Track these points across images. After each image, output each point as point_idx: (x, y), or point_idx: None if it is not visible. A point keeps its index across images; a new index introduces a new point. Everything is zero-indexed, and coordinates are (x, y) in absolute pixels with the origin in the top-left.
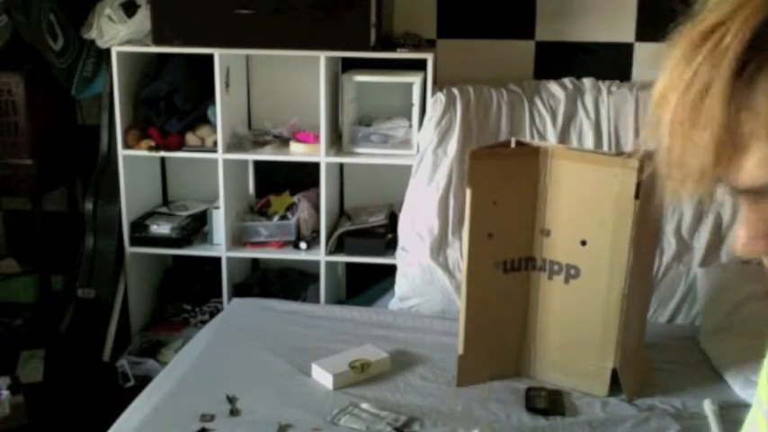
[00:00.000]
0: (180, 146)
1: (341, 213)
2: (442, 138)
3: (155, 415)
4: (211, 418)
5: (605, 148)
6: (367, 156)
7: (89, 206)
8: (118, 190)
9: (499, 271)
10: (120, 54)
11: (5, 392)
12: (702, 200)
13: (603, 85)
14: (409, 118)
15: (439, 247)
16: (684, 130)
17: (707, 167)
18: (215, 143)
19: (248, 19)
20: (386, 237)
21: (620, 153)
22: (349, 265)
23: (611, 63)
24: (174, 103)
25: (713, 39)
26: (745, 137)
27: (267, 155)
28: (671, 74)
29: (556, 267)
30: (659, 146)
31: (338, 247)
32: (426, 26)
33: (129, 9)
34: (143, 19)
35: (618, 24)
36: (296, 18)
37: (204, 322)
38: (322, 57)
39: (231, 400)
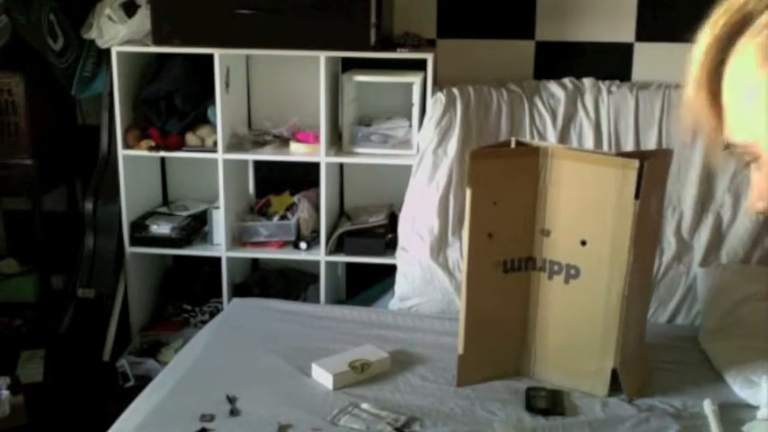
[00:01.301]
0: (180, 146)
1: (341, 213)
2: (442, 138)
3: (155, 415)
4: (211, 418)
5: (605, 148)
6: (367, 156)
7: (89, 206)
8: (118, 190)
9: (499, 271)
10: (120, 54)
11: (5, 392)
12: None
13: (603, 85)
14: (409, 118)
15: (439, 247)
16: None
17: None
18: (215, 143)
19: (248, 19)
20: (386, 237)
21: (622, 153)
22: (349, 265)
23: (611, 63)
24: (174, 103)
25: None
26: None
27: (267, 155)
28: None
29: (556, 267)
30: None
31: (338, 247)
32: (426, 26)
33: (129, 9)
34: (143, 19)
35: (618, 24)
36: (296, 18)
37: (204, 322)
38: (322, 57)
39: (231, 400)
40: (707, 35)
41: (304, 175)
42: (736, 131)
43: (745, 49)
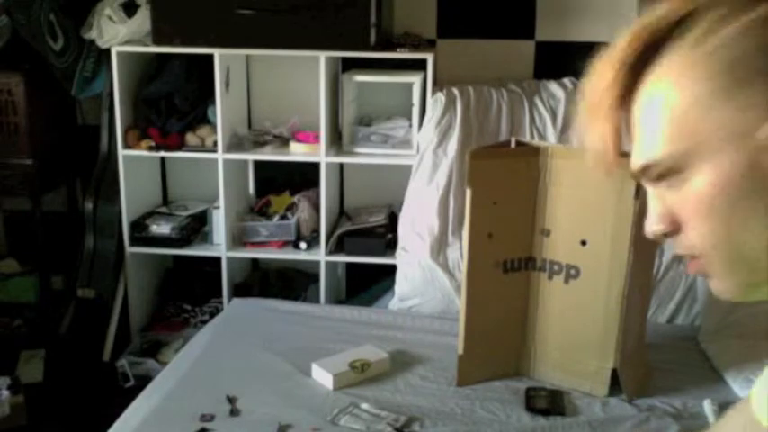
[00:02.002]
0: (180, 146)
1: (341, 213)
2: (442, 138)
3: (155, 415)
4: (211, 418)
5: None
6: (367, 156)
7: (89, 206)
8: (118, 190)
9: (499, 271)
10: (120, 54)
11: (5, 392)
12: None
13: None
14: (409, 118)
15: (439, 247)
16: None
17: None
18: (215, 143)
19: (248, 19)
20: (386, 237)
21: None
22: (349, 265)
23: None
24: (174, 103)
25: None
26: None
27: (267, 155)
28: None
29: (556, 267)
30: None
31: (338, 247)
32: (426, 26)
33: (129, 9)
34: (143, 19)
35: (618, 24)
36: (296, 18)
37: (204, 322)
38: (322, 57)
39: (231, 400)
40: (613, 62)
41: (304, 175)
42: (649, 151)
43: (658, 75)
